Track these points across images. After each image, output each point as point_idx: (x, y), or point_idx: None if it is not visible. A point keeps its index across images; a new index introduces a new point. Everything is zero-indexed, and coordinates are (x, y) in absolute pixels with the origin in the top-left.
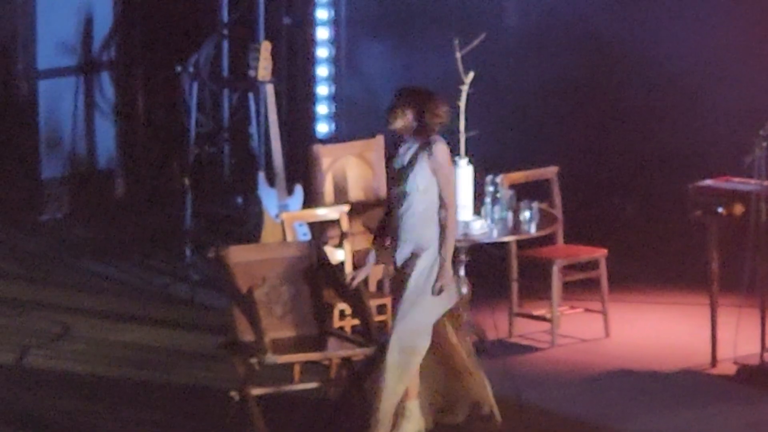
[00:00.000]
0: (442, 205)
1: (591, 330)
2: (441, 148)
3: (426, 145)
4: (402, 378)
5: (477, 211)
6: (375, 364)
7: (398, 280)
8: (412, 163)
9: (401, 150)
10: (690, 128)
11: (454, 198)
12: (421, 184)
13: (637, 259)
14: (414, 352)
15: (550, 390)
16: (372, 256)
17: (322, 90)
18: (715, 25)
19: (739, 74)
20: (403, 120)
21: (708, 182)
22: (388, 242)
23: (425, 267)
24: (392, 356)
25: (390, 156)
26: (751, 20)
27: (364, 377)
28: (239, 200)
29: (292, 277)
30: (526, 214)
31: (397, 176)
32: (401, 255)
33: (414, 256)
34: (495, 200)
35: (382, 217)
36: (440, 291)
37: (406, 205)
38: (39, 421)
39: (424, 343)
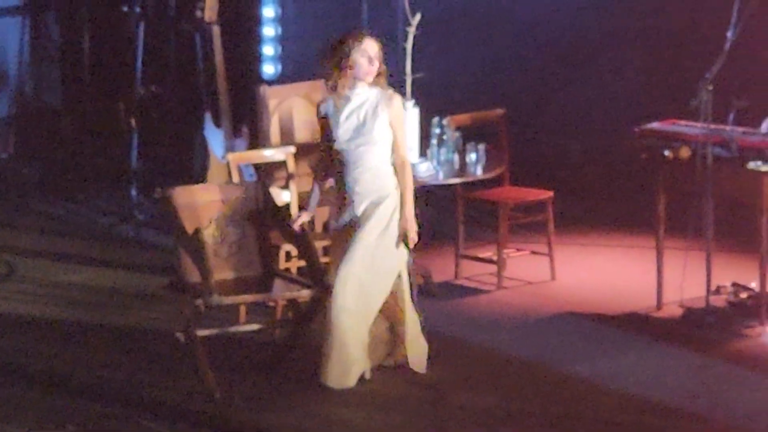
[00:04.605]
0: (400, 158)
1: (537, 272)
2: (399, 100)
3: (384, 97)
4: (363, 321)
5: (423, 153)
6: (325, 306)
7: (354, 228)
8: (369, 115)
9: (354, 102)
10: (637, 70)
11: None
12: (379, 136)
13: (584, 202)
14: (375, 298)
15: (496, 332)
16: (315, 198)
17: (269, 31)
18: None
19: (686, 18)
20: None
21: (654, 125)
22: (329, 183)
23: (384, 216)
24: (345, 300)
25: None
26: None
27: (309, 318)
28: (185, 141)
29: (238, 219)
30: (472, 156)
31: (345, 132)
32: (360, 209)
33: (373, 205)
34: (441, 142)
35: (321, 158)
36: (404, 242)
37: (363, 159)
38: None
39: (385, 290)
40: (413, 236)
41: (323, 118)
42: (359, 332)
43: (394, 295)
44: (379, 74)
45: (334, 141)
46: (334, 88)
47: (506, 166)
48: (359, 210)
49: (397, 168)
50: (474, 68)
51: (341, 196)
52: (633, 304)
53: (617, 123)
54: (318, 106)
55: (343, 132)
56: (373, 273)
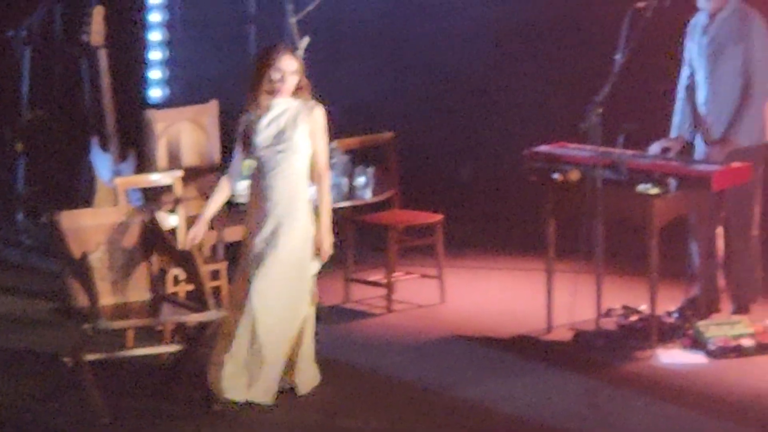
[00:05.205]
0: (319, 169)
1: (427, 296)
2: (321, 111)
3: (305, 107)
4: (288, 337)
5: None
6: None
7: (266, 244)
8: (290, 124)
9: (275, 111)
10: (526, 94)
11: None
12: (298, 144)
13: (474, 225)
14: (297, 315)
15: (386, 356)
16: (207, 215)
17: (155, 55)
18: None
19: (576, 41)
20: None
21: (543, 148)
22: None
23: (299, 233)
24: (269, 317)
25: (229, 118)
26: None
27: (198, 342)
28: (72, 165)
29: (126, 243)
30: (361, 180)
31: (264, 138)
32: (272, 221)
33: (287, 221)
34: (330, 166)
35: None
36: (325, 256)
37: (281, 165)
38: None
39: (305, 306)
40: (327, 249)
41: (244, 129)
42: (285, 349)
43: None
44: (300, 88)
45: (254, 149)
46: (253, 101)
47: (395, 189)
48: (272, 221)
49: (315, 179)
50: (363, 92)
51: (252, 207)
52: (523, 327)
53: (507, 146)
54: (239, 118)
55: (262, 139)
56: (296, 287)
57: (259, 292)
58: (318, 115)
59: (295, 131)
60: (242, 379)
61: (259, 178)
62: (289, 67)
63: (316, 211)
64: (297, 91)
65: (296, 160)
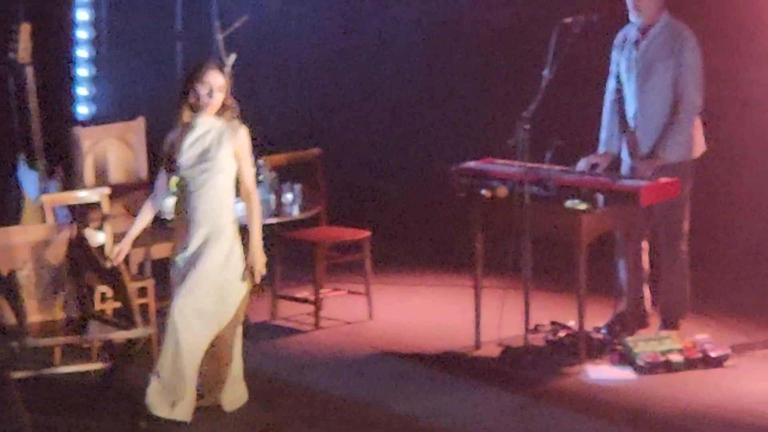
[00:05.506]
0: (247, 190)
1: (355, 312)
2: (244, 131)
3: (229, 127)
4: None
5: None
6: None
7: (189, 263)
8: (214, 143)
9: (199, 130)
10: (452, 109)
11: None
12: (223, 164)
13: (401, 241)
14: (215, 332)
15: (314, 373)
16: (133, 232)
17: (83, 72)
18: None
19: (503, 56)
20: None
21: (471, 164)
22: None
23: (223, 251)
24: (193, 334)
25: (158, 138)
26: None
27: (125, 360)
28: None
29: (53, 260)
30: (288, 197)
31: (188, 158)
32: (196, 240)
33: (210, 240)
34: (257, 182)
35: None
36: (252, 275)
37: (206, 185)
38: None
39: (224, 324)
40: (261, 269)
41: (168, 149)
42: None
43: (224, 334)
44: (224, 107)
45: (177, 169)
46: (178, 117)
47: (323, 205)
48: (196, 240)
49: (244, 199)
50: (290, 108)
51: (178, 225)
52: (451, 343)
53: (435, 162)
54: (166, 136)
55: (186, 158)
56: (219, 306)
57: (181, 309)
58: (242, 135)
59: (220, 151)
60: (166, 396)
61: (184, 196)
62: (216, 82)
63: (244, 229)
64: (222, 110)
65: (221, 180)
